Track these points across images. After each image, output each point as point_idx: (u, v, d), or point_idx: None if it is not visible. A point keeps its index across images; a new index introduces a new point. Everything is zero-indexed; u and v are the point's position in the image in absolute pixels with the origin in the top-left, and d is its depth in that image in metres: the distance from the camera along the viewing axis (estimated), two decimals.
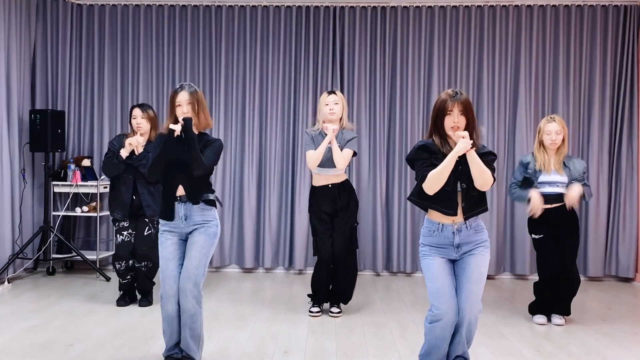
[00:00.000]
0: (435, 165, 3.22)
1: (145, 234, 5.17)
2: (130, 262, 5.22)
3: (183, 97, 3.61)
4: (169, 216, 3.64)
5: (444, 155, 3.23)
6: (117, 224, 5.21)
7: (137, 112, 5.18)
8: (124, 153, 5.01)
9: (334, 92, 5.08)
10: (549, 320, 4.88)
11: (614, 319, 5.12)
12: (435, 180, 3.18)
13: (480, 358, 4.03)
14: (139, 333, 4.46)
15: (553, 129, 4.71)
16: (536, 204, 4.65)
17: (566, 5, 6.69)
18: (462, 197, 3.27)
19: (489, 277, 6.68)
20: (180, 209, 3.64)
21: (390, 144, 6.80)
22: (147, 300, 5.29)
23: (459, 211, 3.27)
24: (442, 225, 3.29)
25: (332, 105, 4.97)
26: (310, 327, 4.73)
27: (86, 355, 3.98)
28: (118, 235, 5.19)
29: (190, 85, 3.66)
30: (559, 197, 4.71)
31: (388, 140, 6.80)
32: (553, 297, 4.86)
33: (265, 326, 4.74)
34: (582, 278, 6.60)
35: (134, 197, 5.14)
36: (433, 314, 3.28)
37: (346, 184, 5.07)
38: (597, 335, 4.61)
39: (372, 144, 6.76)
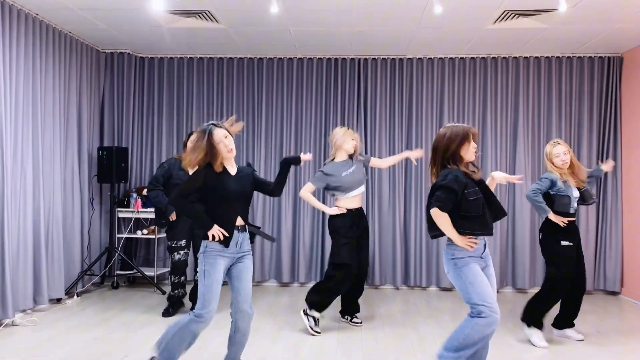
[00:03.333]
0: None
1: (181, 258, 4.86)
2: (182, 277, 4.80)
3: (221, 133, 3.09)
4: (228, 243, 3.11)
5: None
6: (175, 242, 4.79)
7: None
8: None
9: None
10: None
11: (606, 331, 4.61)
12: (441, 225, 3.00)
13: None
14: None
15: (561, 151, 4.15)
16: (558, 220, 4.07)
17: (557, 57, 6.26)
18: None
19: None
20: (238, 237, 3.15)
21: (407, 174, 6.36)
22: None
23: None
24: None
25: (349, 141, 4.53)
26: (338, 337, 4.29)
27: None
28: (175, 254, 4.79)
29: (217, 123, 3.14)
30: (574, 213, 4.19)
31: (405, 171, 6.36)
32: (571, 309, 4.28)
33: (298, 336, 4.30)
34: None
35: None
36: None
37: (362, 210, 4.64)
38: (593, 347, 4.12)
39: (391, 174, 6.33)
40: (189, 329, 3.05)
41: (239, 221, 3.15)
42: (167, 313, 4.88)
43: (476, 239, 2.97)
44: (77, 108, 5.71)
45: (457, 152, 2.99)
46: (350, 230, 4.43)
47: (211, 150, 3.06)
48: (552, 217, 4.07)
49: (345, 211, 4.42)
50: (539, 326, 4.15)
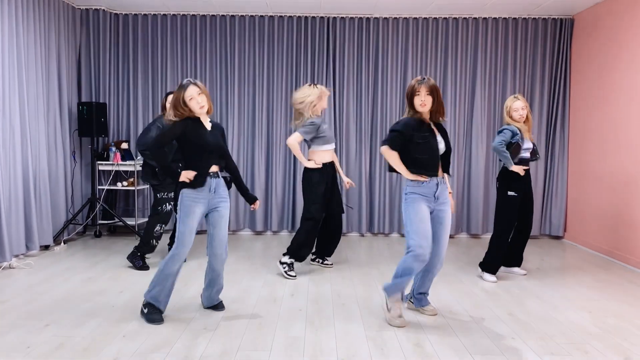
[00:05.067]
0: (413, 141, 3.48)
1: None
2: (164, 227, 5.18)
3: (194, 90, 3.44)
4: (202, 183, 3.51)
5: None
6: (166, 194, 4.98)
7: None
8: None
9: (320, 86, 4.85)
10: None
11: (546, 268, 5.32)
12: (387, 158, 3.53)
13: (442, 297, 4.19)
14: (177, 281, 4.55)
15: (519, 106, 4.64)
16: (519, 170, 4.59)
17: (514, 18, 6.79)
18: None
19: (450, 237, 6.89)
20: (211, 182, 3.59)
21: (372, 128, 6.90)
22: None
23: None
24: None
25: (325, 100, 4.83)
26: (310, 276, 4.87)
27: (135, 299, 4.08)
28: (167, 204, 4.99)
29: (192, 80, 3.48)
30: (528, 161, 4.73)
31: (371, 126, 6.90)
32: (515, 250, 4.93)
33: (274, 277, 4.86)
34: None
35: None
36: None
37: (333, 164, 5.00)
38: (534, 281, 4.81)
39: (358, 128, 6.86)
40: (165, 272, 3.52)
41: (213, 168, 3.60)
42: (145, 267, 5.02)
43: (427, 177, 3.46)
44: (57, 64, 6.02)
45: (410, 102, 3.54)
46: (323, 185, 4.77)
47: (184, 105, 3.46)
48: (514, 168, 4.58)
49: (320, 165, 4.76)
50: (493, 272, 4.79)
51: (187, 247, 3.51)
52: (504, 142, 4.58)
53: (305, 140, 4.78)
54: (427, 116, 3.55)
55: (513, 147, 4.60)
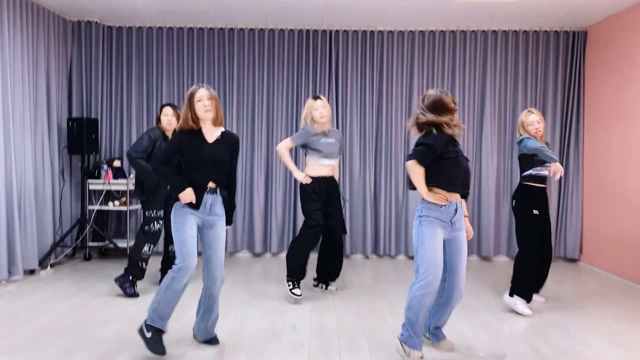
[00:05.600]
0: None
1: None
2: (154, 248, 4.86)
3: (203, 93, 3.30)
4: (197, 206, 3.31)
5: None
6: (154, 212, 4.74)
7: (168, 110, 4.74)
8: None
9: (320, 97, 4.70)
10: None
11: (565, 295, 5.02)
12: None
13: (458, 329, 3.86)
14: None
15: (535, 119, 4.38)
16: (559, 168, 4.20)
17: (525, 31, 6.57)
18: None
19: None
20: (207, 199, 3.35)
21: (377, 145, 6.63)
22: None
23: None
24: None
25: (321, 110, 4.64)
26: (313, 304, 4.55)
27: (122, 330, 3.76)
28: (155, 223, 4.73)
29: (207, 85, 3.38)
30: (546, 179, 4.42)
31: (375, 143, 6.63)
32: (540, 275, 4.56)
33: (274, 304, 4.55)
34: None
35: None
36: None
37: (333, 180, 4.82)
38: (554, 309, 4.49)
39: (362, 146, 6.60)
40: (172, 287, 3.21)
41: (210, 184, 3.35)
42: (135, 294, 4.72)
43: (447, 201, 3.17)
44: (46, 78, 5.76)
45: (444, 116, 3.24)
46: (318, 194, 4.61)
47: (189, 106, 3.29)
48: (554, 166, 4.15)
49: (309, 181, 4.58)
50: (524, 296, 4.35)
51: (192, 256, 3.22)
52: (540, 146, 4.19)
53: (303, 147, 4.71)
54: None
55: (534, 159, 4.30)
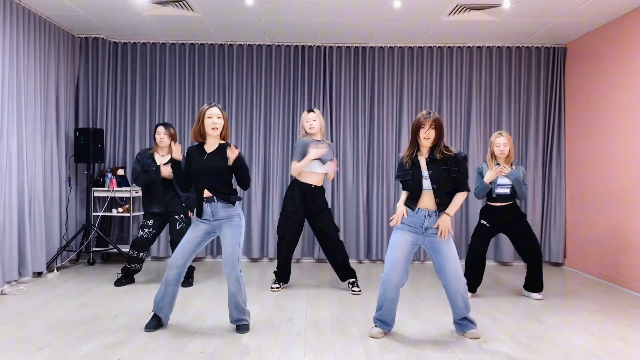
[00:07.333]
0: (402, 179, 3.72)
1: (178, 228, 5.18)
2: (141, 254, 5.22)
3: (214, 111, 3.69)
4: (199, 214, 3.75)
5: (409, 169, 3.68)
6: (143, 221, 5.24)
7: (161, 129, 5.24)
8: (165, 171, 5.13)
9: (313, 110, 5.12)
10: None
11: (548, 294, 5.30)
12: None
13: (445, 322, 4.16)
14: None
15: (501, 142, 4.85)
16: (491, 174, 4.74)
17: (508, 47, 6.93)
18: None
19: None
20: (207, 207, 3.72)
21: (369, 154, 6.95)
22: (188, 282, 5.36)
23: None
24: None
25: (311, 122, 5.07)
26: (308, 301, 4.82)
27: (130, 323, 4.02)
28: (140, 231, 5.19)
29: (216, 104, 3.76)
30: (508, 197, 4.85)
31: (368, 151, 6.95)
32: (537, 277, 5.01)
33: (272, 301, 4.81)
34: (523, 263, 6.85)
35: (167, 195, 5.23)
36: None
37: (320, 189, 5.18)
38: (535, 305, 4.79)
39: (355, 156, 6.90)
40: (165, 277, 3.80)
41: (206, 193, 3.71)
42: (119, 282, 5.30)
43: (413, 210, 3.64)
44: (55, 91, 6.07)
45: (414, 135, 3.63)
46: (296, 200, 5.00)
47: (200, 121, 3.70)
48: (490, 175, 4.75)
49: (323, 151, 4.94)
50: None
51: (176, 255, 3.74)
52: (477, 188, 4.87)
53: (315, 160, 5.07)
54: (426, 150, 3.65)
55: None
